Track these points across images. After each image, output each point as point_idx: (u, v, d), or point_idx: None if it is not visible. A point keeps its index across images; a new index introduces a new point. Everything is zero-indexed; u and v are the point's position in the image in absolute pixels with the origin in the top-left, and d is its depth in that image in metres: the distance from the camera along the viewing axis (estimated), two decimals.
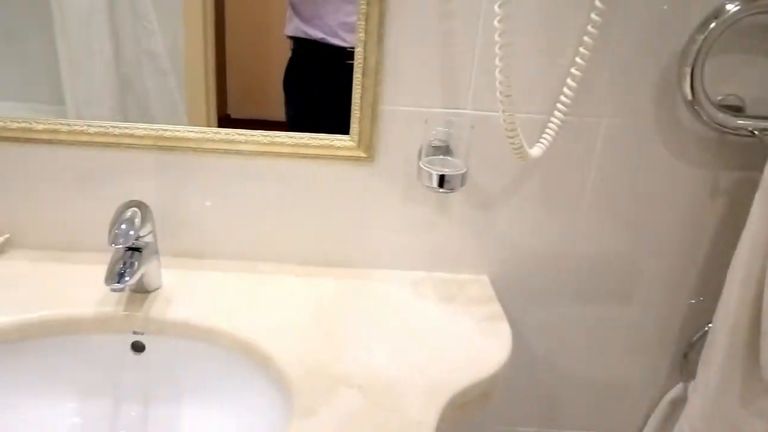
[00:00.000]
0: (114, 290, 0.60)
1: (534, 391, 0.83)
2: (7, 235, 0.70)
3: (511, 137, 0.59)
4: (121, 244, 0.58)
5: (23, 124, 0.65)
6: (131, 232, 0.59)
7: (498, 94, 0.57)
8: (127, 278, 0.58)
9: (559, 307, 0.77)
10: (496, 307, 0.68)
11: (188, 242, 0.71)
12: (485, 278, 0.73)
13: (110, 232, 0.59)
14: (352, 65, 0.67)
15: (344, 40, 0.67)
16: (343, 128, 0.66)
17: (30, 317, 0.61)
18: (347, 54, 0.66)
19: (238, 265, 0.71)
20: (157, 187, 0.68)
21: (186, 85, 0.75)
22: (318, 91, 0.71)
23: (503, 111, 0.58)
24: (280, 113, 0.70)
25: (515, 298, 0.74)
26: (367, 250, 0.72)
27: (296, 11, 0.69)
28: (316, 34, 0.69)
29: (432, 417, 0.53)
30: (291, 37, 0.68)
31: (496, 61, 0.55)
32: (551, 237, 0.72)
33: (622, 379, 0.82)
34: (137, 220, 0.61)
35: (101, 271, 0.64)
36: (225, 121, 0.72)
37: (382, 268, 0.72)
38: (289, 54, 0.68)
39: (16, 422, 0.60)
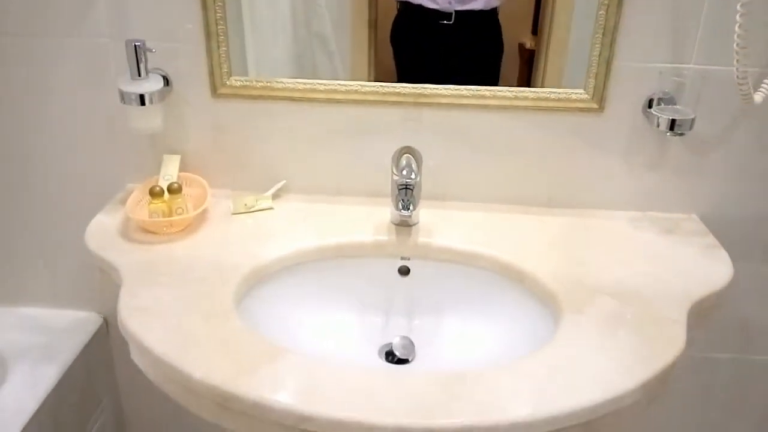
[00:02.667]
0: (402, 217, 0.81)
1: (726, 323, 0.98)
2: (283, 182, 0.93)
3: (742, 84, 0.75)
4: (412, 179, 0.79)
5: (308, 86, 0.87)
6: (413, 174, 0.80)
7: (735, 46, 0.72)
8: (411, 208, 0.79)
9: (757, 256, 0.92)
10: (712, 239, 0.85)
11: (432, 185, 0.90)
12: (695, 217, 0.90)
13: (397, 169, 0.80)
14: (444, 25, 0.88)
15: (437, 3, 0.88)
16: (443, 80, 0.85)
17: (325, 242, 0.83)
18: (440, 15, 0.87)
19: (474, 206, 0.91)
20: (406, 138, 0.87)
21: (350, 66, 0.94)
22: (418, 47, 0.92)
23: (737, 61, 0.73)
24: None
25: (719, 238, 0.89)
26: (589, 192, 0.90)
27: None
28: None
29: (683, 316, 0.70)
30: (397, 1, 0.90)
31: (737, 17, 0.71)
32: (762, 180, 0.87)
33: None
34: (413, 164, 0.82)
35: (367, 210, 0.89)
36: None
37: (602, 209, 0.90)
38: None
39: (313, 325, 0.82)
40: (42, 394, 0.91)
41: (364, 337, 0.84)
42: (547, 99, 0.84)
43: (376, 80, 0.90)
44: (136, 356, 0.69)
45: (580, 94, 0.84)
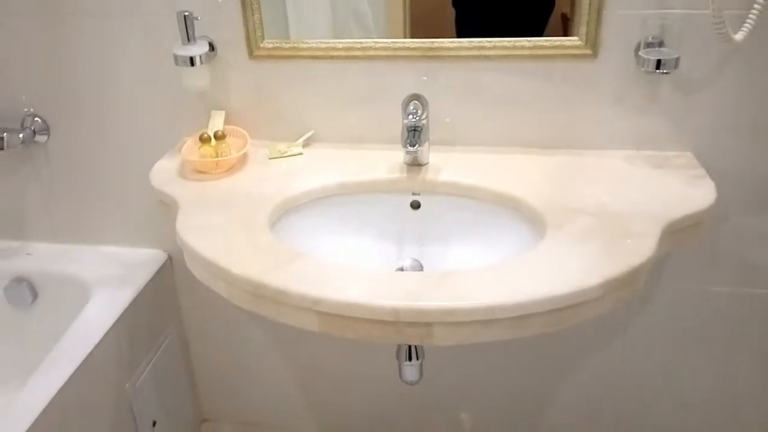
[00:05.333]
0: (409, 153, 0.93)
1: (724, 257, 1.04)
2: (312, 131, 1.06)
3: (718, 23, 0.80)
4: (414, 121, 0.89)
5: (329, 44, 0.99)
6: (417, 116, 0.91)
7: None
8: (416, 146, 0.90)
9: (752, 191, 0.97)
10: (701, 171, 0.91)
11: (442, 133, 1.00)
12: (689, 154, 0.96)
13: (405, 113, 0.92)
14: None
15: None
16: (495, 33, 0.93)
17: (347, 179, 0.96)
18: None
19: (479, 149, 1.01)
20: (419, 89, 0.97)
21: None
22: (476, 9, 0.99)
23: (712, 2, 0.78)
24: None
25: (712, 173, 0.94)
26: (586, 133, 0.98)
27: None
28: None
29: (656, 231, 0.78)
30: None
31: None
32: (752, 116, 0.92)
33: None
34: (419, 110, 0.92)
35: (384, 154, 1.00)
36: None
37: (598, 149, 0.98)
38: None
39: (337, 251, 0.94)
40: (118, 311, 1.09)
41: (379, 261, 0.96)
42: (543, 47, 0.92)
43: None
44: (189, 262, 0.85)
45: (575, 41, 0.91)
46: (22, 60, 1.10)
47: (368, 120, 1.04)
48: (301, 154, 1.04)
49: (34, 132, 1.14)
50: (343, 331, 0.72)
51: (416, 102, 0.94)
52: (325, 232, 0.95)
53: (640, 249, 0.75)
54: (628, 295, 0.75)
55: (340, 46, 0.99)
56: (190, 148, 1.03)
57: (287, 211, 0.92)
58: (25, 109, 1.14)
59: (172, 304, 1.28)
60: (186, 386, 1.35)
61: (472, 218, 0.94)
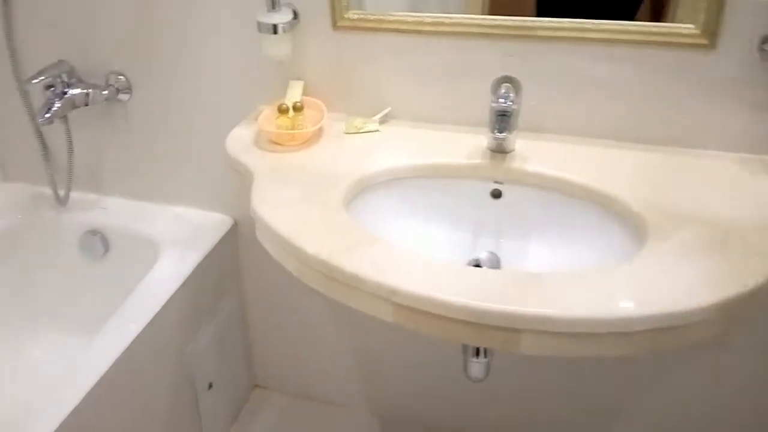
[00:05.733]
0: (497, 140, 0.86)
1: None
2: (389, 108, 1.01)
3: None
4: (504, 106, 0.83)
5: (416, 18, 0.92)
6: (509, 101, 0.84)
7: None
8: (505, 132, 0.84)
9: None
10: None
11: (528, 119, 0.92)
12: None
13: (495, 96, 0.85)
14: None
15: None
16: (580, 14, 0.84)
17: (425, 161, 0.91)
18: None
19: (571, 139, 0.93)
20: (508, 70, 0.89)
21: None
22: None
23: None
24: None
25: None
26: (695, 131, 0.88)
27: None
28: None
29: None
30: None
31: None
32: None
33: None
34: (512, 93, 0.85)
35: (466, 136, 0.94)
36: None
37: (708, 149, 0.88)
38: None
39: (411, 235, 0.90)
40: (186, 273, 1.09)
41: (453, 250, 0.91)
42: (652, 33, 0.83)
43: None
44: (261, 235, 0.82)
45: (690, 28, 0.81)
46: (110, 19, 1.09)
47: (450, 99, 0.98)
48: (377, 130, 0.99)
49: (117, 90, 1.14)
50: (418, 326, 0.67)
51: (508, 84, 0.87)
52: (400, 215, 0.90)
53: (758, 268, 0.66)
54: (743, 317, 0.66)
55: (429, 20, 0.93)
56: (267, 117, 0.99)
57: (362, 190, 0.88)
58: (110, 67, 1.14)
59: (234, 270, 1.27)
60: (242, 352, 1.35)
61: (559, 214, 0.86)
